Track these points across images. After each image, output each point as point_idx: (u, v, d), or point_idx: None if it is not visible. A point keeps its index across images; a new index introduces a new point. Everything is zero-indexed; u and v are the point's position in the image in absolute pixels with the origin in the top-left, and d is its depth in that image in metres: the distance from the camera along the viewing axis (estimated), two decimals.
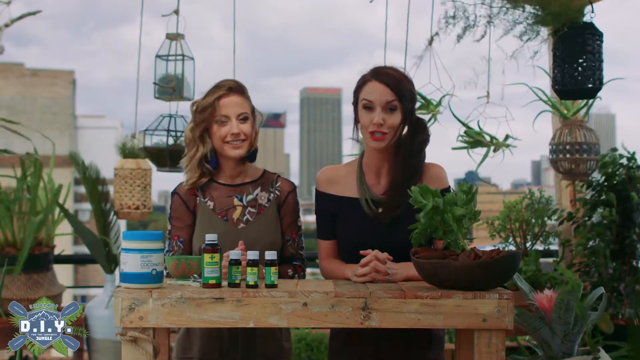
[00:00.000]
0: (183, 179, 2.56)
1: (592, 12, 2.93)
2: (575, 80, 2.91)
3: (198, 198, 2.51)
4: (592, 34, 2.91)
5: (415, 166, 2.42)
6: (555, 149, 3.52)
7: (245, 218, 2.48)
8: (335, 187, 2.48)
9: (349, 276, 2.33)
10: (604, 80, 2.96)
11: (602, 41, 2.94)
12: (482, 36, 3.12)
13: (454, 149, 3.53)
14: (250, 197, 2.51)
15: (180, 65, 3.55)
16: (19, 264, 3.51)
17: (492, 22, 3.08)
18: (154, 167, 3.76)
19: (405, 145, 2.41)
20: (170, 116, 3.59)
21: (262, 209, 2.50)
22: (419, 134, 2.42)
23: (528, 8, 2.95)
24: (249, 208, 2.50)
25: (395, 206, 2.38)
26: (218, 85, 2.50)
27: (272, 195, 2.53)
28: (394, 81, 2.38)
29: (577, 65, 2.91)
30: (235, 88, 2.49)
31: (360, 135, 2.45)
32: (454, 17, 3.15)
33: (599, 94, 3.03)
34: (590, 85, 2.91)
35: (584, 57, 2.90)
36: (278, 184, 2.55)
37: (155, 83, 3.51)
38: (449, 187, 2.45)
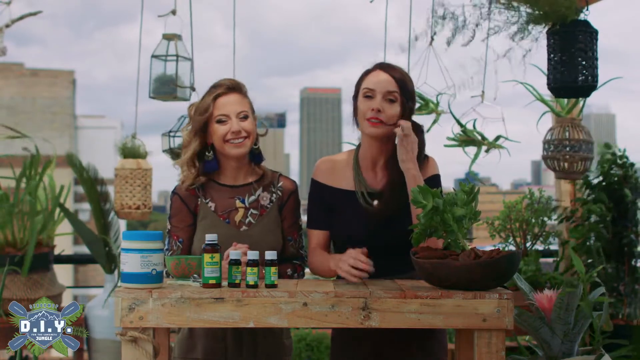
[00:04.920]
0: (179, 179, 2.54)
1: (587, 9, 2.90)
2: (569, 78, 2.86)
3: (199, 199, 2.48)
4: (586, 32, 2.87)
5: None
6: (548, 147, 3.48)
7: (247, 220, 2.46)
8: (333, 179, 2.46)
9: (332, 267, 2.31)
10: (604, 80, 2.94)
11: (596, 39, 2.89)
12: (470, 40, 3.11)
13: (446, 146, 3.54)
14: (252, 197, 2.48)
15: (175, 65, 3.54)
16: (24, 267, 3.50)
17: (480, 25, 3.07)
18: (154, 167, 3.78)
19: None
20: None
21: (264, 210, 2.47)
22: (419, 135, 2.42)
23: (521, 8, 2.93)
24: (251, 210, 2.47)
25: (393, 206, 2.37)
26: (216, 84, 2.47)
27: (274, 195, 2.50)
28: (397, 73, 2.39)
29: (570, 63, 2.86)
30: (234, 87, 2.46)
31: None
32: (443, 17, 3.15)
33: (594, 93, 2.98)
34: (584, 84, 2.87)
35: (578, 54, 2.85)
36: (280, 184, 2.52)
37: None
38: (439, 175, 2.46)
